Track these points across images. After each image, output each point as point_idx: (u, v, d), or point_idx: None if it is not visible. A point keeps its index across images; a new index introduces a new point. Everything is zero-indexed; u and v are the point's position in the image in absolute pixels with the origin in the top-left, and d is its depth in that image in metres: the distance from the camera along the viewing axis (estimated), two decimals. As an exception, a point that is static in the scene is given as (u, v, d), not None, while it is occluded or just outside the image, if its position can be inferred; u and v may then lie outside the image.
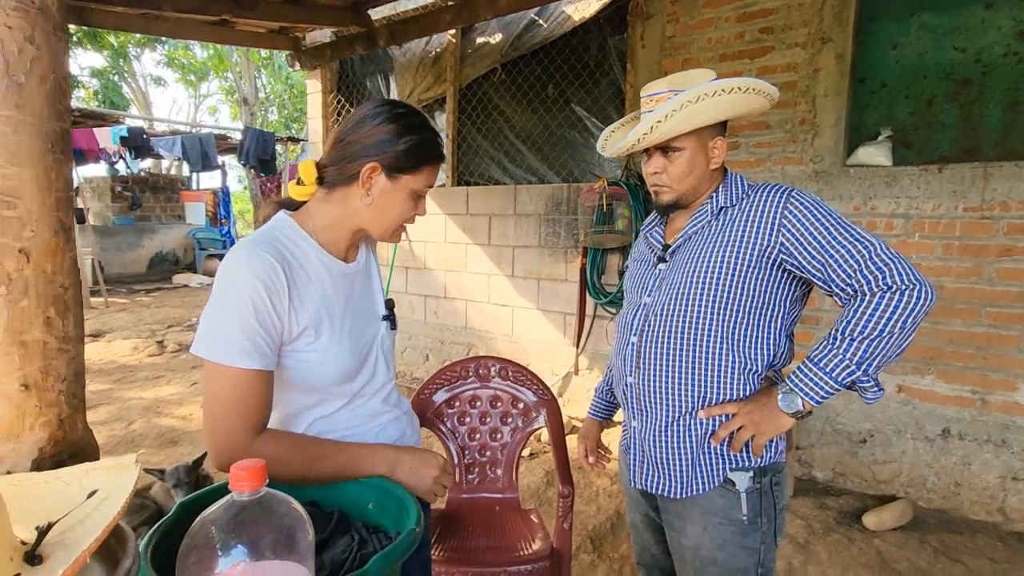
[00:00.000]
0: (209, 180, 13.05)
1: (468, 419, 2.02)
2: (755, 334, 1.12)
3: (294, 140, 11.47)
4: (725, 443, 1.13)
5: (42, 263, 1.17)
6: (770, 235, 1.08)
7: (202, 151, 8.60)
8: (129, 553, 0.51)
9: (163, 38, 13.81)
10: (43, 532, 0.47)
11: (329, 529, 0.84)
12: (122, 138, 7.97)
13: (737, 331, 1.12)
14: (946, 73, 2.62)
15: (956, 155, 2.62)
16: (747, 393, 1.13)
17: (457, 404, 2.02)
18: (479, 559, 1.65)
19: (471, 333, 4.25)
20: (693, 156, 1.14)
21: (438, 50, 4.20)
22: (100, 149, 7.99)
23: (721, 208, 1.16)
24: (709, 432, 1.14)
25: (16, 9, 1.08)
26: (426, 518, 1.05)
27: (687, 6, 3.11)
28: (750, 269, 1.10)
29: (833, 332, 1.05)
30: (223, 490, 0.62)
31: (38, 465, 1.16)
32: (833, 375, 1.03)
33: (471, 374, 2.03)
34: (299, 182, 0.99)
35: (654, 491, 1.21)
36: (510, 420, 2.02)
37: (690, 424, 1.15)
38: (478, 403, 2.03)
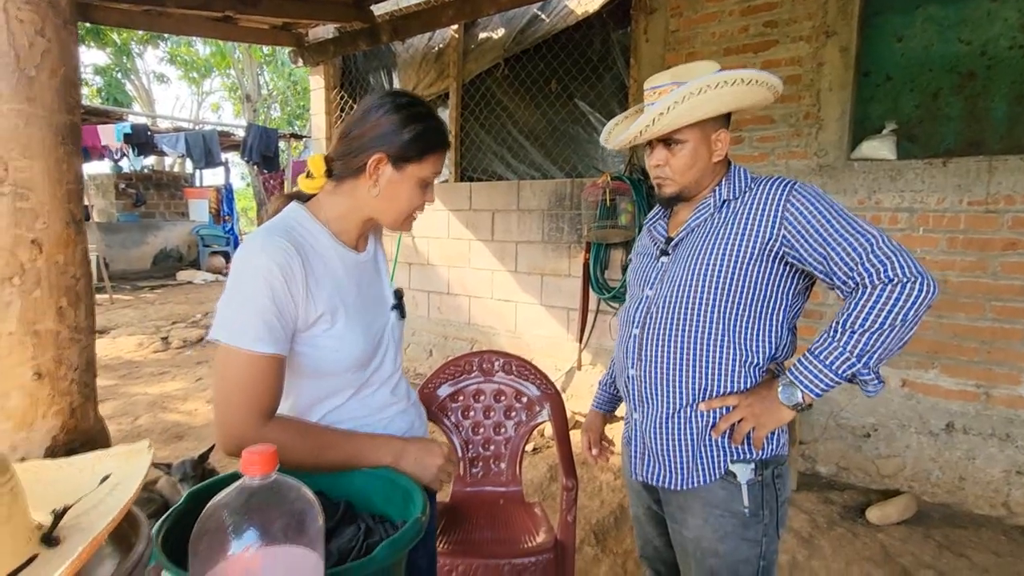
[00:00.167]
0: (212, 177, 13.09)
1: (472, 413, 2.03)
2: (756, 327, 1.12)
3: (297, 137, 11.48)
4: (726, 435, 1.13)
5: (54, 254, 1.18)
6: (772, 228, 1.08)
7: (205, 148, 8.62)
8: (142, 537, 0.52)
9: (166, 35, 13.82)
10: (59, 515, 0.48)
11: (336, 519, 0.85)
12: (126, 135, 7.99)
13: (738, 324, 1.12)
14: (951, 66, 2.61)
15: (961, 148, 2.62)
16: (748, 386, 1.13)
17: (461, 398, 2.03)
18: (484, 551, 1.66)
19: (474, 329, 4.26)
20: (696, 148, 1.14)
21: (441, 46, 4.19)
22: (104, 146, 8.01)
23: (724, 201, 1.16)
24: (710, 424, 1.14)
25: (27, 3, 1.09)
26: (432, 507, 1.06)
27: (691, 0, 3.10)
28: (752, 262, 1.10)
29: (834, 324, 1.04)
30: (231, 479, 0.63)
31: (51, 453, 1.17)
32: (833, 368, 1.03)
33: (475, 368, 2.04)
34: (309, 175, 1.00)
35: (655, 483, 1.22)
36: (514, 414, 2.03)
37: (691, 416, 1.15)
38: (482, 397, 2.04)
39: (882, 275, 0.99)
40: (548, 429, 3.24)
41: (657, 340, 1.17)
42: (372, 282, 1.06)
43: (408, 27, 3.94)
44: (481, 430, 2.03)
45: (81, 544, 0.44)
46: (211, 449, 2.25)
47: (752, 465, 1.13)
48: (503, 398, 2.03)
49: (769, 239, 1.08)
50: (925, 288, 0.98)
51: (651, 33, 3.27)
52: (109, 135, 7.98)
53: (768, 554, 1.15)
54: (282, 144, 10.36)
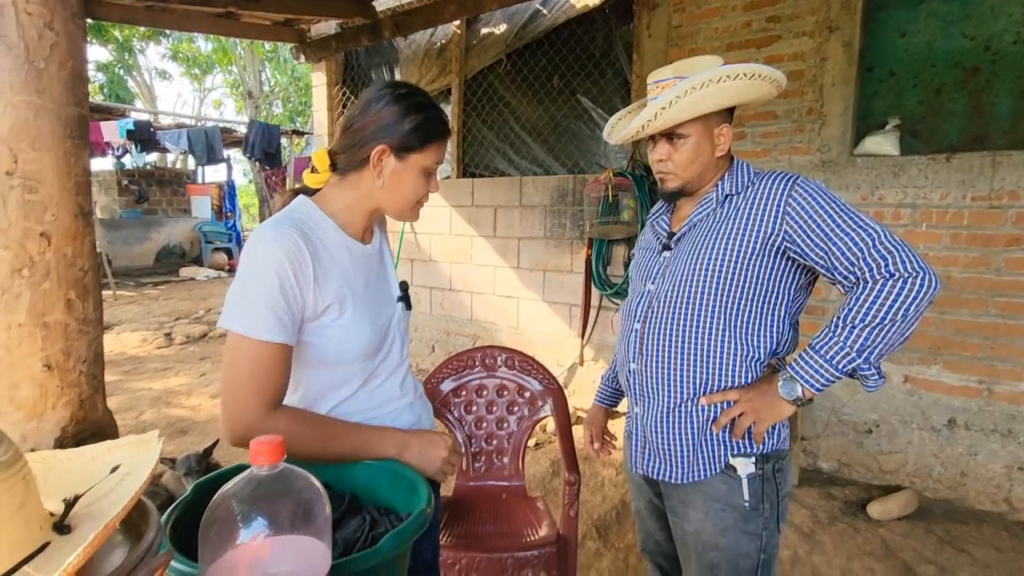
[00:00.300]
0: (214, 173, 13.06)
1: (475, 408, 2.04)
2: (758, 322, 1.13)
3: (299, 133, 11.47)
4: (726, 429, 1.14)
5: (63, 246, 1.19)
6: (774, 222, 1.08)
7: (207, 144, 8.63)
8: (152, 526, 0.53)
9: (168, 31, 13.81)
10: (70, 504, 0.49)
11: (341, 510, 0.86)
12: (128, 131, 8.00)
13: (740, 318, 1.12)
14: (955, 61, 2.60)
15: (965, 144, 2.61)
16: (749, 381, 1.14)
17: (464, 393, 2.04)
18: (486, 545, 1.67)
19: (476, 325, 4.27)
20: (698, 143, 1.14)
21: (443, 41, 4.19)
22: (106, 143, 8.02)
23: (726, 196, 1.16)
24: (710, 419, 1.14)
25: (36, -4, 1.09)
26: (436, 499, 1.07)
27: (693, -5, 3.09)
28: (754, 256, 1.10)
29: (835, 319, 1.04)
30: (238, 471, 0.64)
31: (60, 443, 1.18)
32: (833, 363, 1.03)
33: (478, 364, 2.04)
34: (313, 170, 1.02)
35: (656, 477, 1.22)
36: (516, 409, 2.04)
37: (691, 410, 1.16)
38: (484, 392, 2.04)
39: (883, 270, 0.99)
40: (550, 424, 3.25)
41: (658, 334, 1.17)
42: (378, 274, 1.07)
43: (410, 23, 3.94)
44: (484, 425, 2.03)
45: (93, 531, 0.45)
46: (215, 444, 2.27)
47: (752, 459, 1.14)
48: (506, 393, 2.04)
49: (771, 234, 1.08)
50: (926, 283, 0.98)
51: (653, 28, 3.26)
52: (112, 131, 7.99)
53: (768, 548, 1.16)
54: (284, 140, 10.37)
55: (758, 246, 1.09)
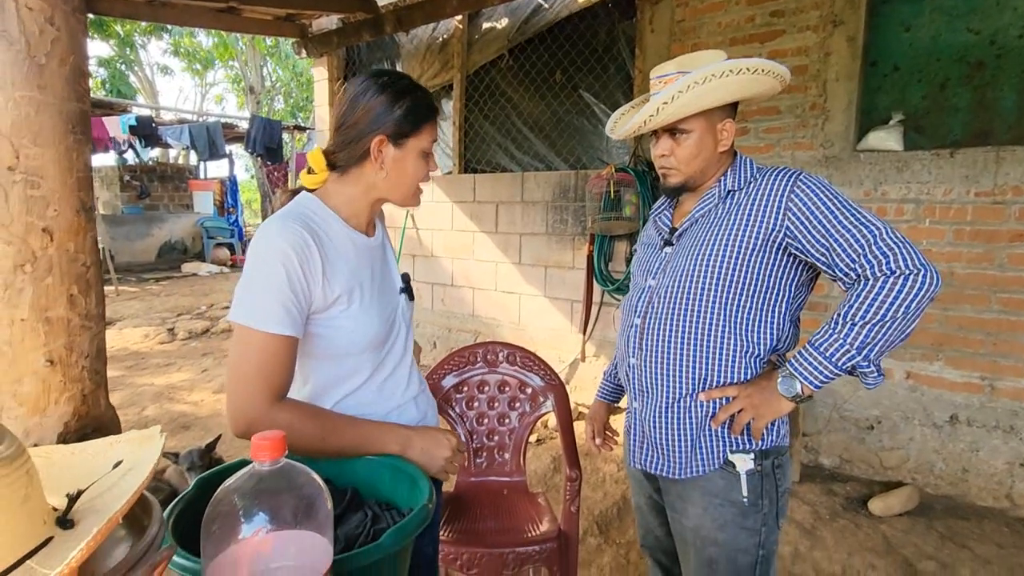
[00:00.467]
0: (216, 169, 13.10)
1: (476, 404, 2.04)
2: (758, 318, 1.12)
3: (300, 128, 11.47)
4: (725, 425, 1.14)
5: (65, 242, 1.20)
6: (776, 218, 1.08)
7: (209, 140, 8.63)
8: (155, 521, 0.53)
9: (169, 26, 13.79)
10: (74, 498, 0.49)
11: (343, 506, 0.86)
12: (131, 127, 8.00)
13: (740, 314, 1.11)
14: (960, 56, 2.59)
15: (969, 139, 2.60)
16: (749, 377, 1.13)
17: (465, 389, 2.04)
18: (488, 541, 1.67)
19: (478, 321, 4.27)
20: (701, 138, 1.13)
21: (445, 36, 4.18)
22: (110, 138, 8.03)
23: (729, 191, 1.16)
24: (709, 414, 1.14)
25: (37, -9, 1.09)
26: (437, 494, 1.07)
27: (696, -10, 3.08)
28: (755, 252, 1.09)
29: (835, 316, 1.04)
30: (240, 466, 0.64)
31: (63, 439, 1.19)
32: (833, 360, 1.02)
33: (479, 359, 2.05)
34: (310, 171, 1.02)
35: (654, 471, 1.22)
36: (518, 405, 2.04)
37: (690, 406, 1.15)
38: (486, 388, 2.05)
39: (884, 267, 0.99)
40: (552, 420, 3.25)
41: (658, 330, 1.17)
42: (382, 266, 1.09)
43: (412, 18, 3.92)
44: (485, 421, 2.04)
45: (96, 526, 0.45)
46: (218, 439, 2.28)
47: (752, 455, 1.14)
48: (507, 389, 2.04)
49: (773, 230, 1.08)
50: (928, 281, 0.98)
51: (656, 23, 3.24)
52: (115, 127, 8.00)
53: (767, 544, 1.16)
54: (286, 136, 10.37)
55: (759, 242, 1.09)
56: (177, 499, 0.73)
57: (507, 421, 2.04)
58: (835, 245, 1.02)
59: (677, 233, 1.21)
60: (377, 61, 4.74)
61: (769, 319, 1.13)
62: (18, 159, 1.12)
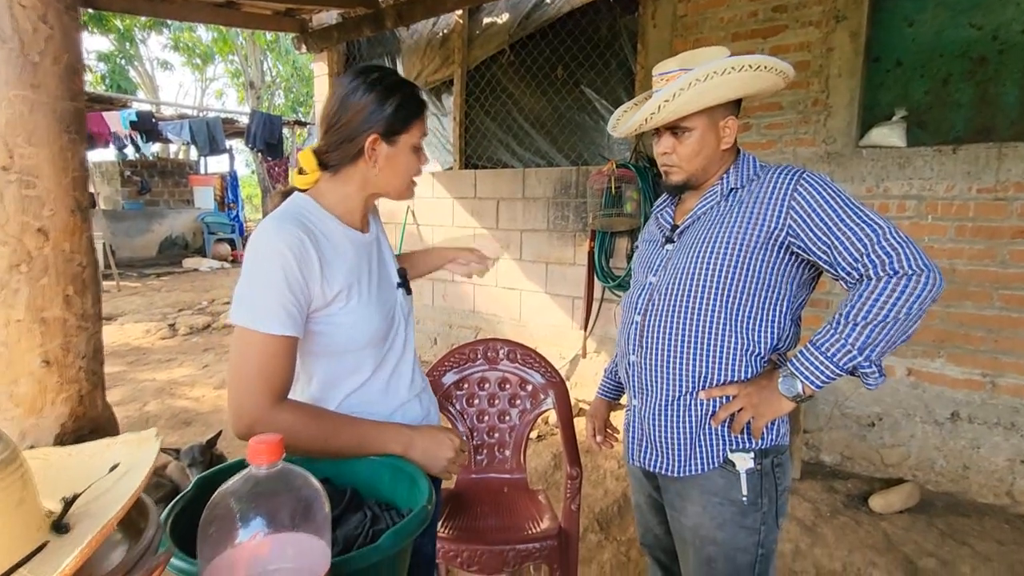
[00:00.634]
0: (217, 164, 13.08)
1: (477, 401, 2.04)
2: (759, 316, 1.11)
3: (301, 124, 11.43)
4: (725, 424, 1.13)
5: (60, 242, 1.19)
6: (778, 217, 1.07)
7: (209, 135, 8.61)
8: (152, 523, 0.53)
9: (169, 21, 13.74)
10: (69, 503, 0.49)
11: (342, 506, 0.86)
12: (132, 122, 7.99)
13: (741, 313, 1.11)
14: (962, 51, 2.57)
15: (971, 135, 2.58)
16: (749, 375, 1.13)
17: (466, 386, 2.04)
18: (488, 538, 1.67)
19: (479, 317, 4.26)
20: (703, 136, 1.12)
21: (445, 31, 4.16)
22: (110, 133, 8.01)
23: (731, 189, 1.15)
24: (709, 413, 1.14)
25: (30, -13, 1.08)
26: (436, 492, 1.07)
27: (698, -16, 3.06)
28: (757, 251, 1.08)
29: (836, 316, 1.03)
30: (238, 467, 0.64)
31: (60, 440, 1.19)
32: (834, 360, 1.02)
33: (480, 356, 2.04)
34: (301, 172, 1.02)
35: (652, 469, 1.22)
36: (518, 402, 2.04)
37: (690, 404, 1.15)
38: (487, 385, 2.04)
39: (887, 267, 0.98)
40: (552, 417, 3.25)
41: (658, 327, 1.16)
42: (379, 261, 1.09)
43: (412, 13, 3.90)
44: (486, 418, 2.04)
45: (91, 531, 0.45)
46: (219, 435, 2.28)
47: (751, 454, 1.13)
48: (508, 386, 2.04)
49: (775, 228, 1.07)
50: (930, 281, 0.97)
51: (659, 18, 3.22)
52: (116, 122, 7.99)
53: (767, 543, 1.15)
54: (286, 131, 10.34)
55: (761, 240, 1.08)
56: (175, 500, 0.73)
57: (507, 418, 2.04)
58: (837, 244, 1.01)
59: (679, 230, 1.20)
60: (377, 56, 4.72)
61: (770, 318, 1.12)
62: (12, 159, 1.11)
